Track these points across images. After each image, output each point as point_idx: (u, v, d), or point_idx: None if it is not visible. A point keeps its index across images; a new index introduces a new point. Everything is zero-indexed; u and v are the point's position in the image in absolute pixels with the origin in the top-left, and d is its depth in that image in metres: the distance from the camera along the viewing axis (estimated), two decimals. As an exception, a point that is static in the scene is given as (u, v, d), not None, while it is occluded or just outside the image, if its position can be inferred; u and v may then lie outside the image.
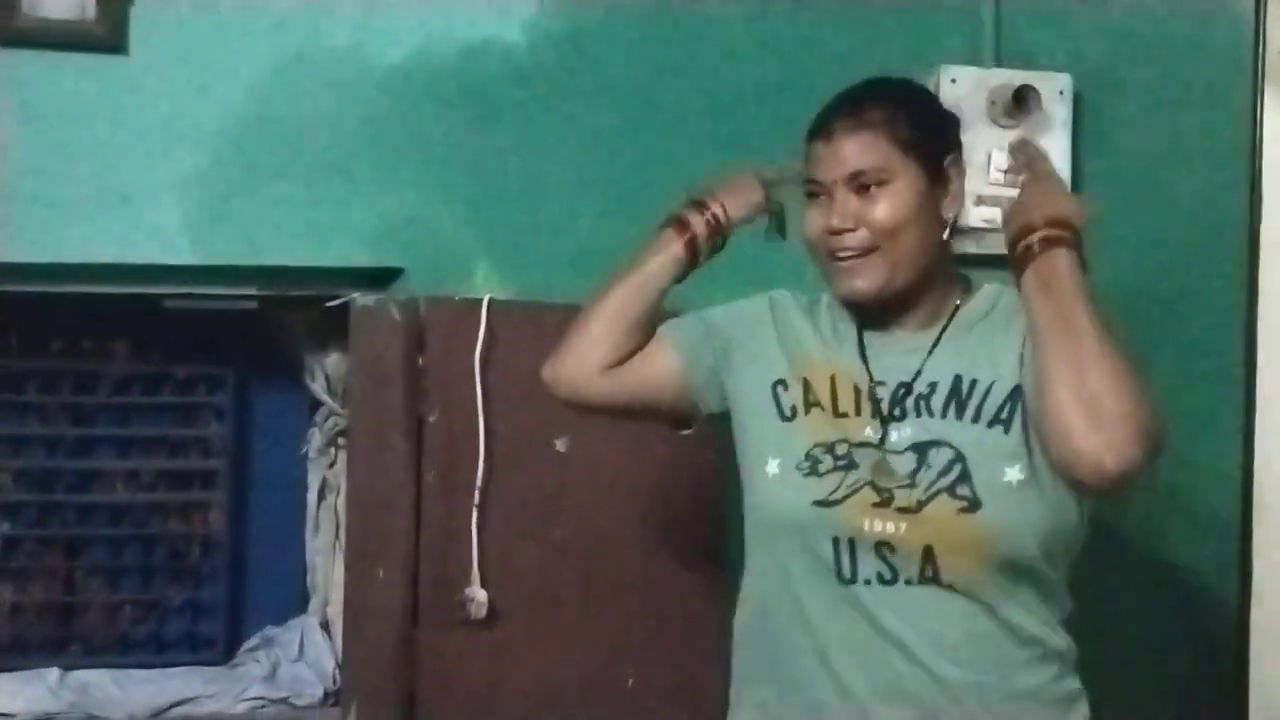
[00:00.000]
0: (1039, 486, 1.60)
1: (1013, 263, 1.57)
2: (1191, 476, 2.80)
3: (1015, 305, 1.66)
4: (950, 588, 1.62)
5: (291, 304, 2.54)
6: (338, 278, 2.44)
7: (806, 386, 1.75)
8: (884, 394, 1.69)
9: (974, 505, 1.60)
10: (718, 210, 1.90)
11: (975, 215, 2.52)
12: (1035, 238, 1.54)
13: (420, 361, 2.29)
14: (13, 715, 2.37)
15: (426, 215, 2.44)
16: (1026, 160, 1.73)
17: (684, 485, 2.39)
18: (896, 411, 1.67)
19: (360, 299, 2.40)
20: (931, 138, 1.70)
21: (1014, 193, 1.70)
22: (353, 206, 2.41)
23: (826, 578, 1.66)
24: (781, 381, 1.77)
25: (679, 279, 1.89)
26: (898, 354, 1.72)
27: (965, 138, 2.13)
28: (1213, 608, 2.73)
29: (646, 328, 1.90)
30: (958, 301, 1.74)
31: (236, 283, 2.43)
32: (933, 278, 1.72)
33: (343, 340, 2.49)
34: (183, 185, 2.31)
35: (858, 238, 1.67)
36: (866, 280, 1.68)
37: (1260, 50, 2.55)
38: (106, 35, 2.25)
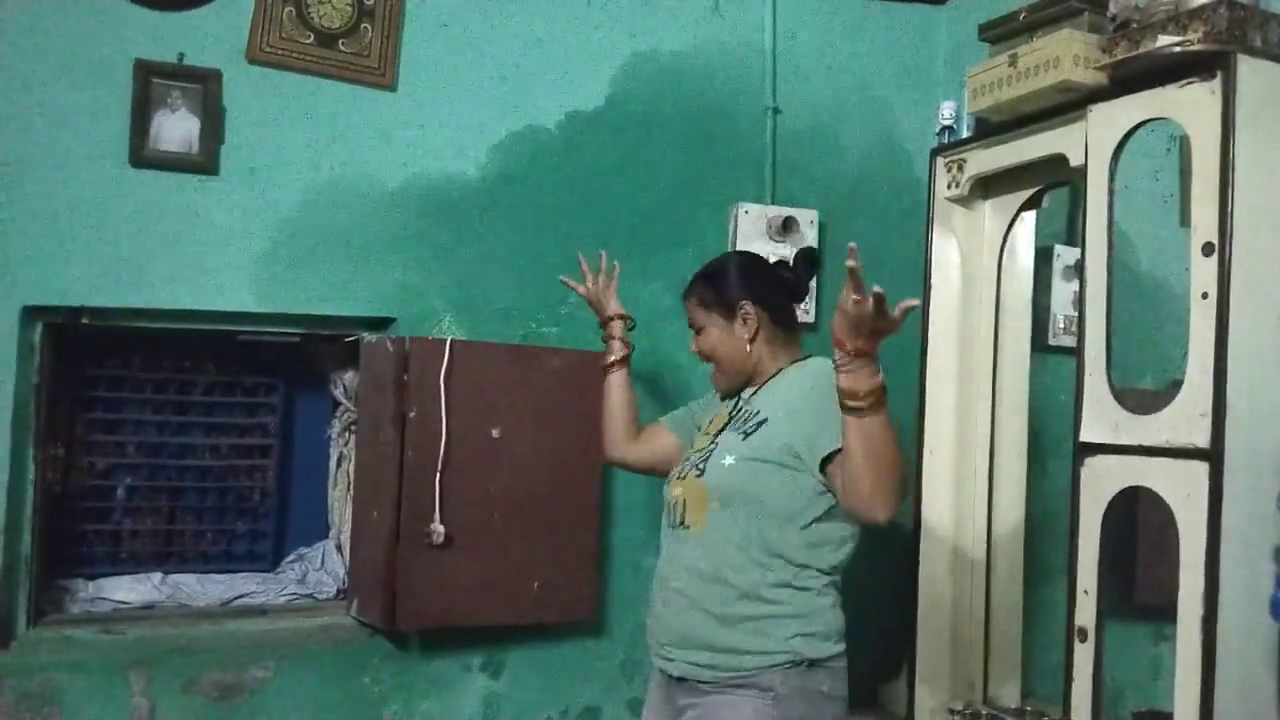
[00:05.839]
0: (748, 470, 1.68)
1: (842, 404, 1.50)
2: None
3: (807, 376, 1.75)
4: (688, 527, 1.75)
5: (322, 339, 2.51)
6: (353, 323, 2.42)
7: (704, 427, 1.92)
8: (720, 424, 1.84)
9: (701, 474, 1.75)
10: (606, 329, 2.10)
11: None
12: (859, 403, 1.47)
13: (405, 378, 2.24)
14: (128, 603, 2.36)
15: (412, 284, 2.40)
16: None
17: (575, 460, 2.38)
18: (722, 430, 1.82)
19: (367, 337, 2.41)
20: (721, 297, 1.84)
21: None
22: (364, 278, 2.37)
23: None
24: (699, 425, 1.95)
25: (620, 386, 2.06)
26: (735, 404, 1.86)
27: (753, 246, 2.33)
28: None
29: (627, 419, 2.05)
30: (783, 367, 1.83)
31: (286, 325, 2.38)
32: (754, 368, 1.84)
33: (355, 363, 2.48)
34: (252, 261, 2.28)
35: (706, 359, 1.87)
36: (720, 385, 1.88)
37: (931, 197, 2.48)
38: (204, 162, 2.22)
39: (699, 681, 1.70)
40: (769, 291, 1.86)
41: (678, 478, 1.83)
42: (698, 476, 1.75)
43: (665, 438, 2.02)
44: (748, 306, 1.82)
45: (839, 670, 1.72)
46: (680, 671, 1.72)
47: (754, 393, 1.83)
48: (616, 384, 2.06)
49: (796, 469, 1.67)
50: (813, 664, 1.67)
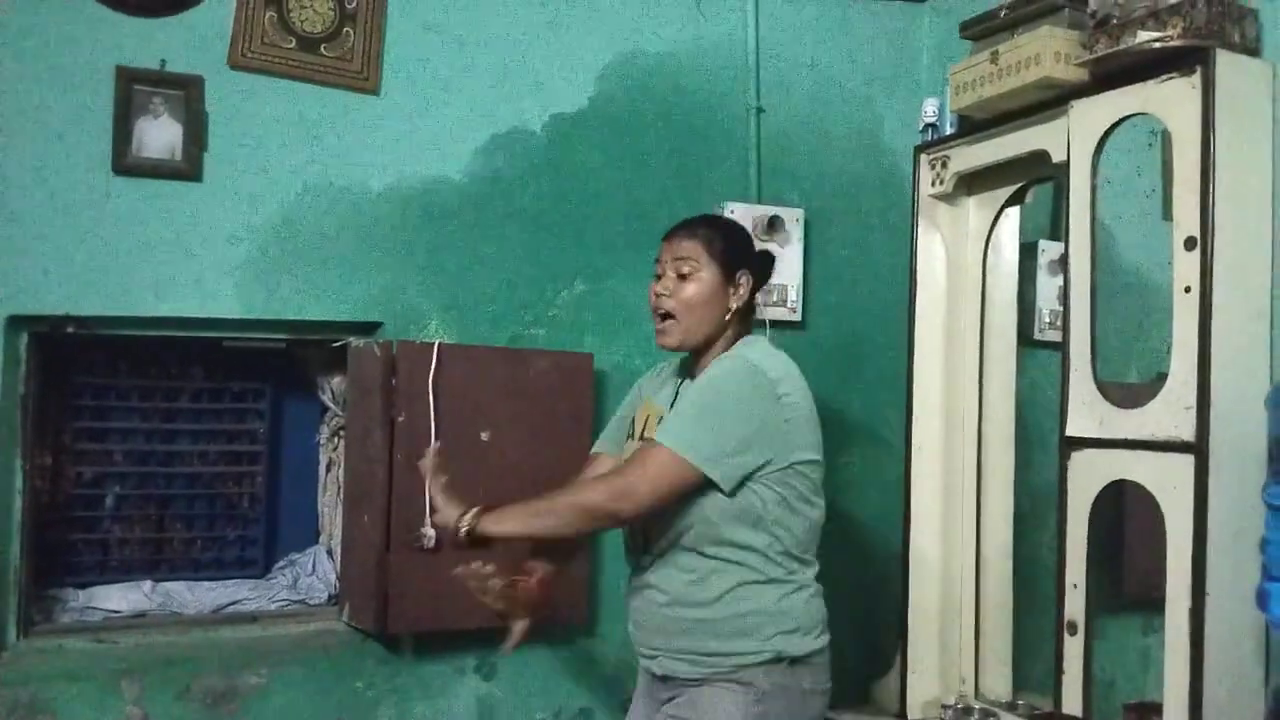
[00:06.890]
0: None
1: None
2: (876, 450, 2.85)
3: (711, 368, 1.68)
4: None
5: (309, 344, 2.51)
6: (339, 328, 2.42)
7: (633, 422, 1.81)
8: (658, 417, 1.72)
9: None
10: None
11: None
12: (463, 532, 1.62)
13: (393, 382, 2.26)
14: (118, 612, 2.36)
15: (398, 288, 2.41)
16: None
17: (565, 461, 2.21)
18: None
19: (354, 341, 2.42)
20: (730, 255, 1.72)
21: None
22: (350, 282, 2.37)
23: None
24: (631, 425, 1.81)
25: None
26: (675, 397, 1.75)
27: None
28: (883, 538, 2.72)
29: None
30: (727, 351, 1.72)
31: (272, 331, 2.39)
32: (714, 343, 1.74)
33: (343, 367, 2.49)
34: (237, 267, 2.29)
35: (668, 304, 1.70)
36: (668, 338, 1.73)
37: (915, 194, 2.51)
38: (188, 169, 2.22)
39: (684, 678, 1.70)
40: (759, 271, 1.78)
41: None
42: None
43: (607, 465, 1.87)
44: (746, 276, 1.74)
45: (821, 665, 1.70)
46: (664, 670, 1.72)
47: (691, 382, 1.75)
48: None
49: None
50: (794, 661, 1.65)
